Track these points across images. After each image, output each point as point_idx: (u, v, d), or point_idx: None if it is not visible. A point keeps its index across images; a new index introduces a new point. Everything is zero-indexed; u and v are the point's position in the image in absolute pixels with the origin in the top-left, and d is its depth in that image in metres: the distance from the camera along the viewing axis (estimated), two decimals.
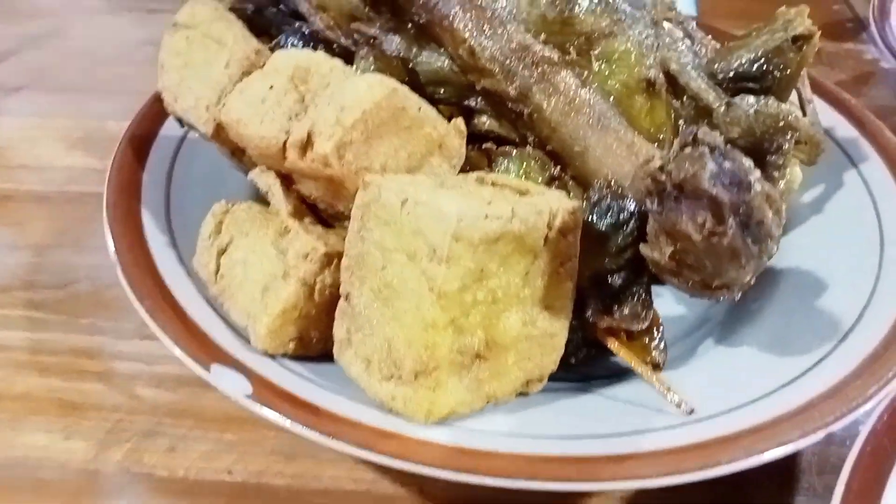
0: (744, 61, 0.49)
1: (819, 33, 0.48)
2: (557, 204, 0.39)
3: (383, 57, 0.52)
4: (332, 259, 0.40)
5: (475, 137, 0.50)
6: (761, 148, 0.49)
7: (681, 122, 0.51)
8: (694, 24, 0.59)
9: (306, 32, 0.54)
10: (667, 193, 0.36)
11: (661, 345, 0.46)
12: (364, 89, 0.38)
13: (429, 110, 0.41)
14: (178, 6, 0.94)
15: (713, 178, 0.34)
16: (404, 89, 0.40)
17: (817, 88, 0.63)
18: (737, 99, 0.48)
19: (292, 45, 0.54)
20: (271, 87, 0.42)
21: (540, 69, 0.47)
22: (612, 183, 0.43)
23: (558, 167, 0.46)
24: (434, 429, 0.37)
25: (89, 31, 0.91)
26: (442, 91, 0.54)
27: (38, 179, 0.68)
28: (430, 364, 0.36)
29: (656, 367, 0.45)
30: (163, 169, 0.53)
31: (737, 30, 0.94)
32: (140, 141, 0.54)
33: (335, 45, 0.54)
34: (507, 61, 0.47)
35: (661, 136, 0.52)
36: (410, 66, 0.54)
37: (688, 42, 0.56)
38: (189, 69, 0.47)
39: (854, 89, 0.87)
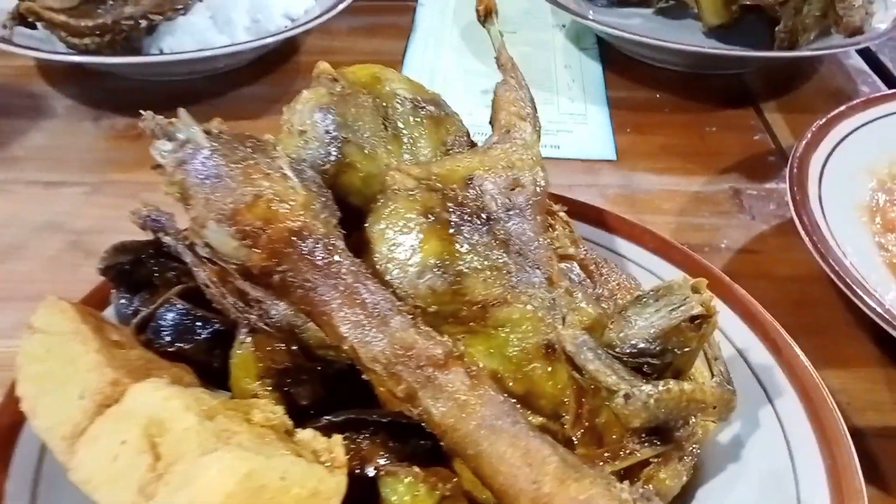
0: (641, 339, 0.47)
1: (718, 314, 0.46)
2: None
3: (265, 337, 0.50)
4: None
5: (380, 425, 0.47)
6: (667, 427, 0.48)
7: (582, 392, 0.49)
8: (595, 259, 0.58)
9: (182, 310, 0.51)
10: None
11: None
12: (216, 478, 0.35)
13: (294, 469, 0.37)
14: (77, 177, 0.91)
15: None
16: (260, 462, 0.36)
17: (730, 299, 0.62)
18: (635, 389, 0.45)
19: (167, 323, 0.51)
20: (123, 441, 0.38)
21: (425, 373, 0.44)
22: None
23: (448, 485, 0.43)
24: None
25: None
26: (334, 354, 0.51)
27: None
28: None
29: None
30: (27, 475, 0.48)
31: (654, 171, 0.95)
32: (4, 433, 0.49)
33: (216, 321, 0.51)
34: (390, 364, 0.44)
35: (565, 399, 0.50)
36: (298, 332, 0.51)
37: (588, 286, 0.54)
38: (46, 382, 0.43)
39: (775, 244, 0.86)
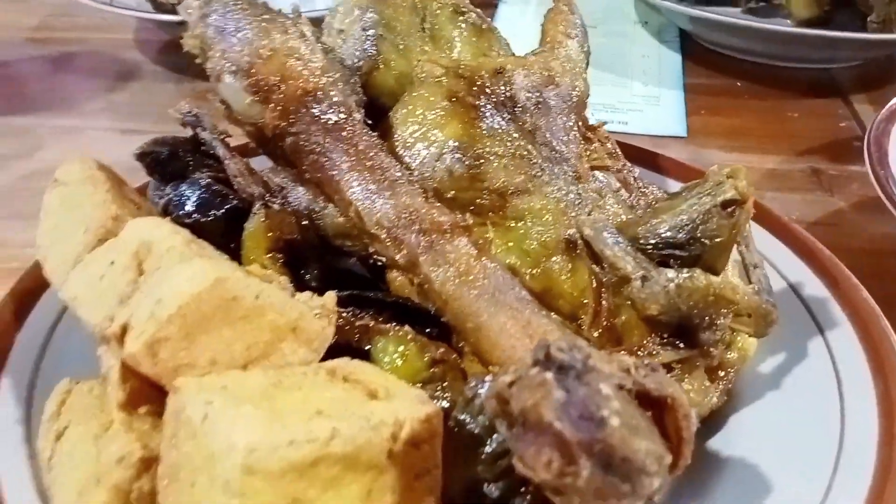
0: (668, 227, 0.43)
1: (753, 198, 0.42)
2: (407, 412, 0.33)
3: (277, 213, 0.49)
4: (151, 464, 0.34)
5: (373, 302, 0.46)
6: (691, 325, 0.43)
7: (602, 288, 0.46)
8: (637, 171, 0.54)
9: (203, 185, 0.51)
10: (513, 418, 0.30)
11: None
12: (184, 281, 0.34)
13: (272, 296, 0.36)
14: (153, 127, 0.95)
15: (559, 411, 0.28)
16: (236, 276, 0.35)
17: (783, 233, 0.57)
18: (654, 272, 0.42)
19: (187, 198, 0.50)
20: (112, 262, 0.38)
21: (428, 238, 0.42)
22: (488, 377, 0.37)
23: (441, 349, 0.41)
24: None
25: (57, 151, 0.91)
26: (350, 244, 0.50)
27: None
28: None
29: None
30: (43, 330, 0.49)
31: (726, 149, 0.91)
32: (23, 295, 0.50)
33: (233, 198, 0.51)
34: (394, 228, 0.42)
35: (585, 300, 0.47)
36: (316, 219, 0.50)
37: (623, 195, 0.51)
38: (58, 229, 0.44)
39: (855, 218, 0.80)
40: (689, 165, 0.66)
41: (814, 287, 0.53)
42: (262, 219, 0.48)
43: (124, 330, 0.34)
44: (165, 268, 0.35)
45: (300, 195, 0.50)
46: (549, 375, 0.28)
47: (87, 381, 0.40)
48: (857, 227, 0.78)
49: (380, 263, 0.48)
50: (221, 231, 0.51)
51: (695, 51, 1.18)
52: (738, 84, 1.08)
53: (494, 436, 0.35)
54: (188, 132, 0.58)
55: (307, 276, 0.49)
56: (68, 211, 0.44)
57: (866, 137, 0.74)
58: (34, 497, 0.38)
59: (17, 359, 0.46)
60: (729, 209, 0.42)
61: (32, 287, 0.50)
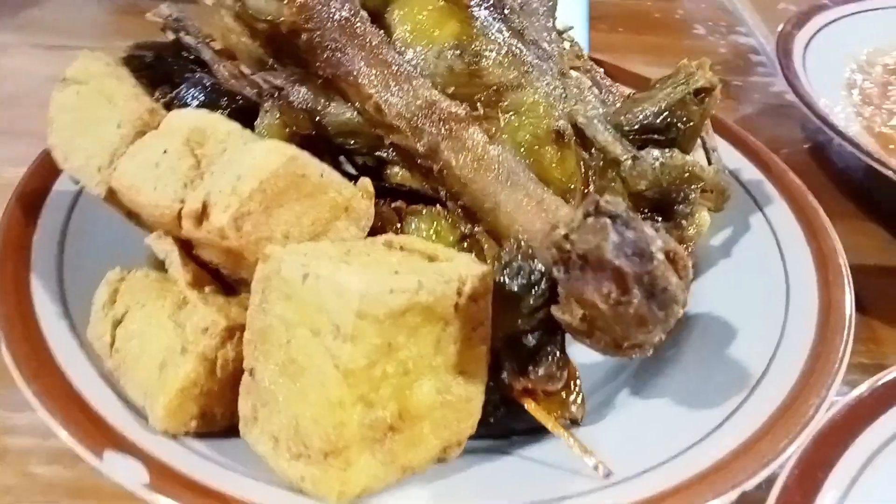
0: (648, 114, 0.49)
1: (720, 86, 0.49)
2: (466, 270, 0.38)
3: (289, 109, 0.51)
4: (234, 332, 0.38)
5: (388, 192, 0.50)
6: (669, 198, 0.50)
7: (590, 172, 0.52)
8: (602, 70, 0.60)
9: (207, 84, 0.52)
10: (572, 262, 0.35)
11: (579, 399, 0.46)
12: (261, 157, 0.37)
13: (332, 175, 0.39)
14: (80, 42, 0.91)
15: (616, 250, 0.34)
16: (304, 155, 0.38)
17: (722, 130, 0.65)
18: (643, 152, 0.48)
19: (193, 97, 0.52)
20: (165, 150, 0.40)
21: (447, 126, 0.46)
22: (522, 243, 0.42)
23: (469, 225, 0.46)
24: None
25: None
26: (352, 142, 0.53)
27: None
28: (339, 443, 0.34)
29: (574, 422, 0.45)
30: (55, 228, 0.50)
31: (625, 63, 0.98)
32: (31, 197, 0.50)
33: (238, 98, 0.53)
34: (414, 118, 0.46)
35: (572, 185, 0.52)
36: (318, 118, 0.53)
37: (595, 91, 0.57)
38: (80, 126, 0.45)
39: (760, 123, 0.90)
40: (631, 72, 0.72)
41: (750, 172, 0.61)
42: (277, 114, 0.50)
43: (204, 207, 0.37)
44: (233, 148, 0.38)
45: (302, 94, 0.52)
46: (607, 220, 0.34)
47: (137, 269, 0.42)
48: (766, 131, 0.88)
49: (385, 158, 0.51)
50: None
51: None
52: (649, 3, 1.15)
53: (532, 292, 0.41)
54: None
55: None
56: (90, 107, 0.45)
57: (776, 46, 0.83)
58: (100, 381, 0.40)
59: (39, 258, 0.47)
60: (700, 96, 0.49)
61: (39, 188, 0.51)
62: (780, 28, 0.86)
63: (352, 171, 0.53)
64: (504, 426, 0.45)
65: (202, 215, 0.37)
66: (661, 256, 0.34)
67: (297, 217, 0.38)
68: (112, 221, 0.49)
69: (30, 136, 0.76)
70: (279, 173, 0.37)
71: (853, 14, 0.95)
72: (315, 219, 0.39)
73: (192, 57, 0.58)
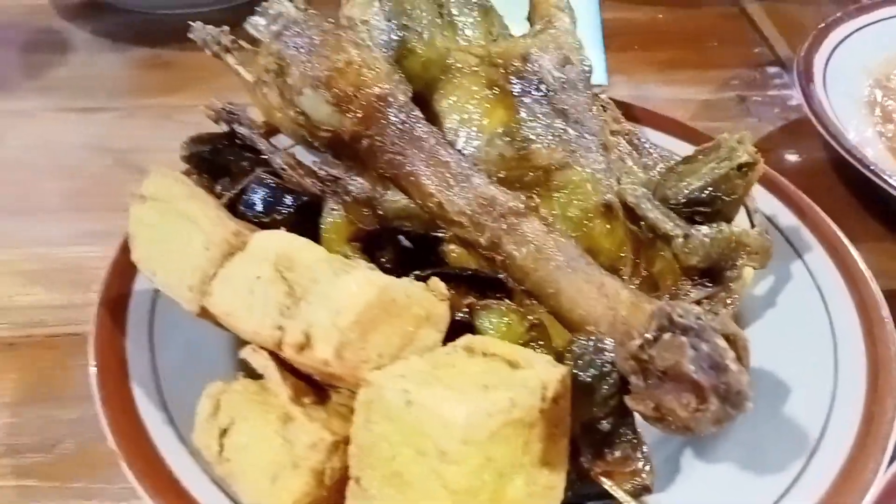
0: (694, 188, 0.52)
1: (762, 161, 0.52)
2: (547, 375, 0.41)
3: (352, 206, 0.54)
4: (339, 445, 0.41)
5: (451, 277, 0.52)
6: (718, 267, 0.53)
7: (639, 242, 0.55)
8: (637, 134, 0.63)
9: (272, 184, 0.55)
10: (650, 373, 0.38)
11: (648, 467, 0.49)
12: (355, 292, 0.40)
13: (414, 291, 0.42)
14: (107, 103, 0.93)
15: (694, 364, 0.37)
16: (391, 283, 0.41)
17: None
18: (693, 229, 0.51)
19: (259, 198, 0.55)
20: (258, 276, 0.43)
21: (508, 221, 0.49)
22: (593, 339, 0.45)
23: (535, 315, 0.49)
24: None
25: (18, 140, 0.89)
26: (409, 224, 0.56)
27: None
28: None
29: (646, 489, 0.48)
30: (143, 332, 0.53)
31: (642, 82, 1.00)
32: (115, 304, 0.53)
33: (303, 196, 0.56)
34: (475, 214, 0.49)
35: (622, 254, 0.56)
36: (376, 205, 0.56)
37: (635, 156, 0.59)
38: (164, 245, 0.48)
39: (782, 141, 0.92)
40: (661, 114, 0.75)
41: (786, 218, 0.64)
42: (342, 213, 0.53)
43: (307, 338, 0.40)
44: (325, 280, 0.41)
45: (359, 184, 0.55)
46: (684, 339, 0.37)
47: (235, 382, 0.46)
48: (785, 149, 0.91)
49: (441, 237, 0.54)
50: (294, 224, 0.56)
51: None
52: (660, 16, 1.17)
53: (604, 381, 0.44)
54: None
55: (382, 259, 0.55)
56: (174, 226, 0.47)
57: (795, 68, 0.85)
58: (213, 487, 0.44)
59: (135, 366, 0.50)
60: (742, 169, 0.52)
61: (120, 294, 0.54)
62: (800, 52, 0.88)
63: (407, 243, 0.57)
64: (579, 494, 0.48)
65: (304, 345, 0.40)
66: (735, 367, 0.37)
67: (388, 337, 0.41)
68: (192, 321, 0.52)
69: (78, 211, 0.80)
70: (373, 304, 0.40)
71: (863, 27, 0.97)
72: (403, 334, 0.42)
73: (244, 143, 0.61)
